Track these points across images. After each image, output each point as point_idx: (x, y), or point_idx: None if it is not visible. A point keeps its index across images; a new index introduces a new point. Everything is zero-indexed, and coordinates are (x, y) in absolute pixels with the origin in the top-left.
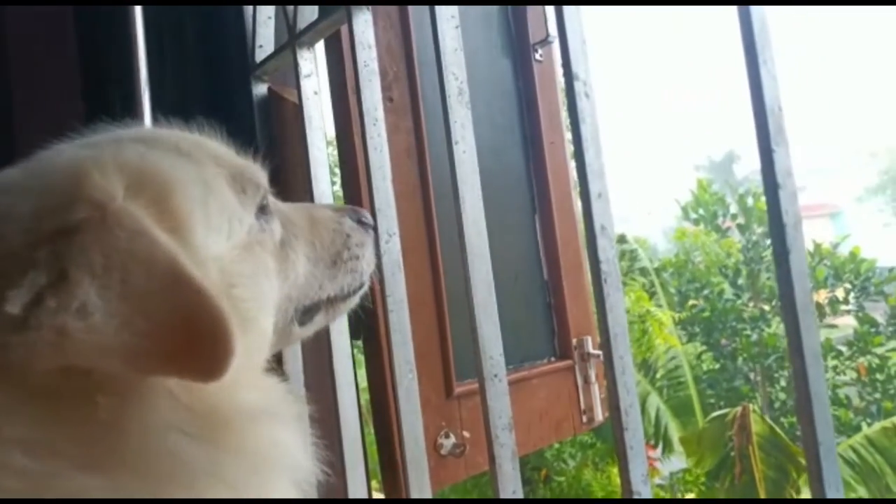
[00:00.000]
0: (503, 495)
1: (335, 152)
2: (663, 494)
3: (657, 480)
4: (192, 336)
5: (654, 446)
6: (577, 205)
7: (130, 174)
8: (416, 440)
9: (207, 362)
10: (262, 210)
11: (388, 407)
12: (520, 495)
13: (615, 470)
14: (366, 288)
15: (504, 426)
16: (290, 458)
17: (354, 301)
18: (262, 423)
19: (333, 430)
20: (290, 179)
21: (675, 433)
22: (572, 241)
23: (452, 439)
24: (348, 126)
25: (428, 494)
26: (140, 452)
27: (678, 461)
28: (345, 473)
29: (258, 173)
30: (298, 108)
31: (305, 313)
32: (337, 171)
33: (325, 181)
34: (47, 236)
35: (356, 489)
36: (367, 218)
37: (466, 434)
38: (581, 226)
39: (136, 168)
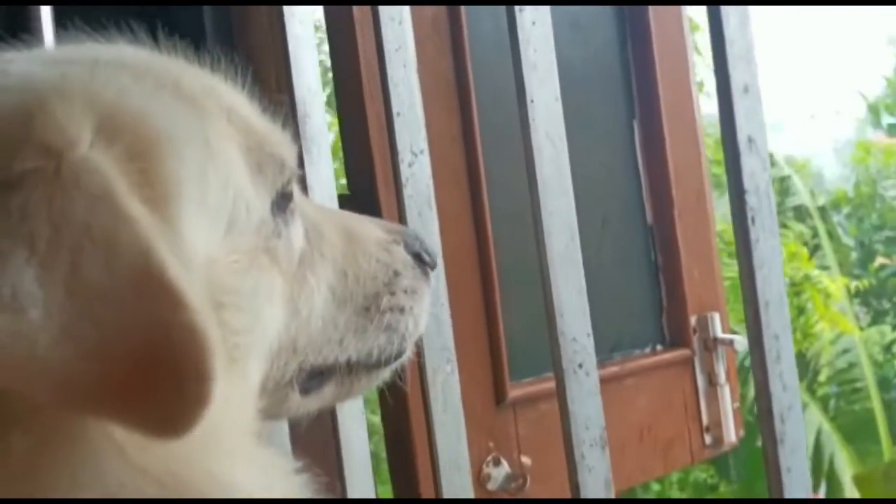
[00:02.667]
0: None
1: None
2: None
3: None
4: (154, 367)
5: (814, 489)
6: (703, 106)
7: (105, 113)
8: (459, 468)
9: (169, 409)
10: (282, 204)
11: (408, 420)
12: None
13: None
14: (403, 360)
15: (594, 441)
16: None
17: (383, 375)
18: None
19: (328, 453)
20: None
21: (846, 468)
22: (693, 163)
23: (505, 467)
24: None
25: None
26: None
27: None
28: None
29: (284, 146)
30: None
31: (312, 377)
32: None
33: (312, 74)
34: None
35: None
36: (430, 251)
37: (526, 460)
38: (710, 139)
39: (113, 105)
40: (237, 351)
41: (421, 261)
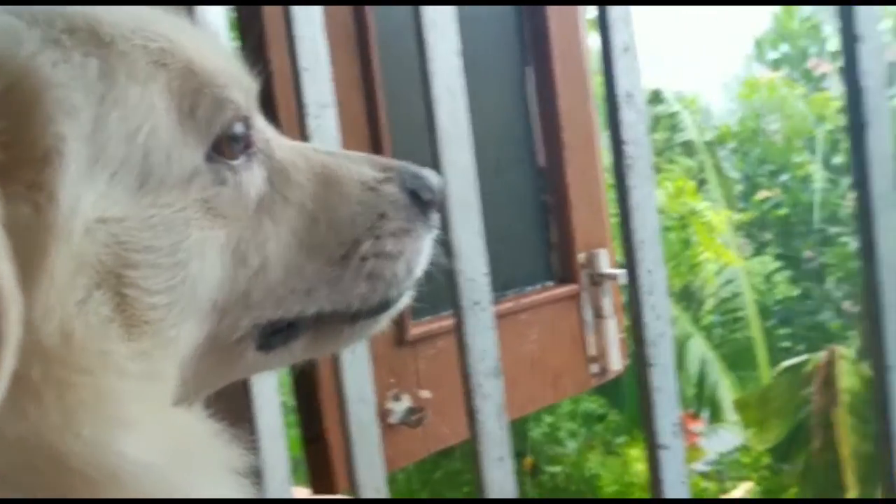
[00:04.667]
0: (486, 464)
1: None
2: (709, 486)
3: (699, 466)
4: None
5: (696, 415)
6: (592, 51)
7: None
8: (365, 402)
9: None
10: (232, 148)
11: (314, 363)
12: (509, 465)
13: (634, 452)
14: (397, 310)
15: (489, 371)
16: None
17: (375, 325)
18: (168, 483)
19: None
20: None
21: (727, 394)
22: (583, 108)
23: (406, 402)
24: None
25: (381, 478)
26: None
27: (731, 436)
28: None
29: (232, 86)
30: None
31: (275, 333)
32: None
33: (221, 29)
34: None
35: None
36: (432, 187)
37: (426, 394)
38: (597, 87)
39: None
40: (153, 312)
41: (419, 199)
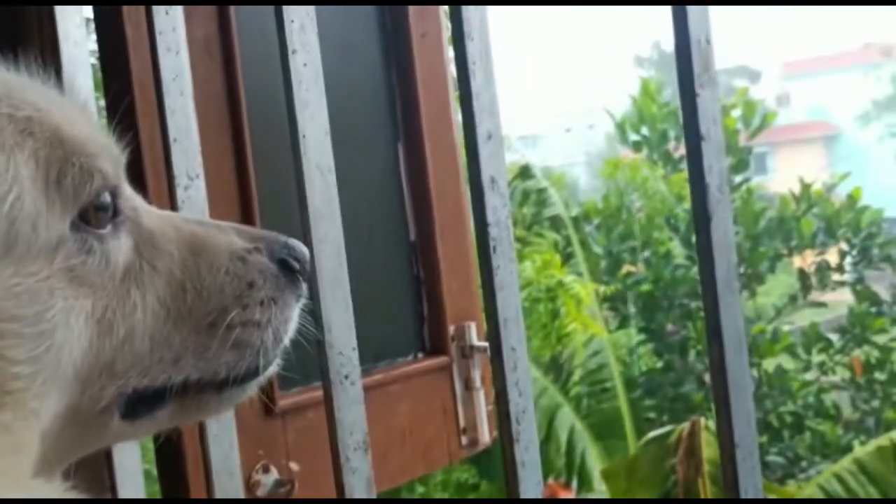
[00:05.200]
0: None
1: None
2: None
3: None
4: None
5: (567, 484)
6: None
7: None
8: (231, 475)
9: None
10: (97, 217)
11: (177, 432)
12: None
13: None
14: (265, 377)
15: (357, 445)
16: None
17: (241, 395)
18: None
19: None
20: None
21: (595, 464)
22: (453, 184)
23: (274, 474)
24: (118, 16)
25: None
26: None
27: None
28: None
29: (103, 158)
30: None
31: (141, 401)
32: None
33: (87, 94)
34: None
35: None
36: (300, 257)
37: (294, 466)
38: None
39: None
40: (15, 383)
41: (288, 268)
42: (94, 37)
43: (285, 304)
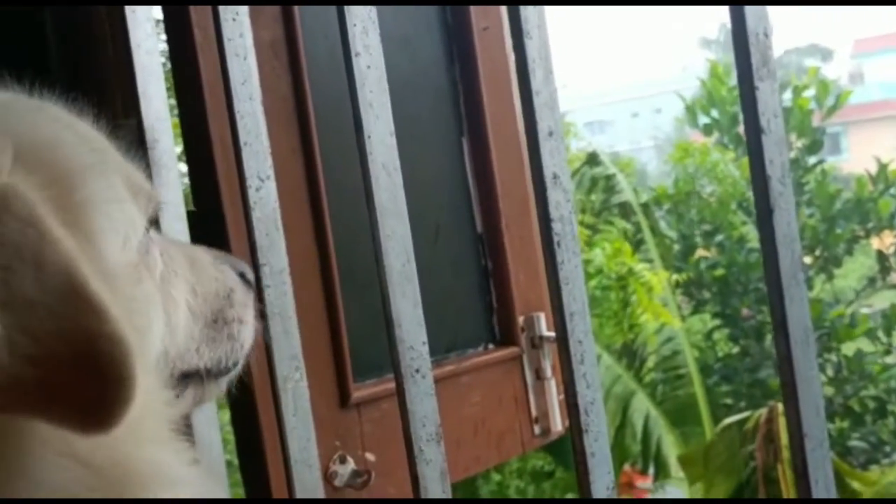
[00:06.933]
0: None
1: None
2: None
3: None
4: (84, 372)
5: (643, 471)
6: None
7: (21, 143)
8: (310, 466)
9: (98, 408)
10: (147, 229)
11: (258, 425)
12: None
13: None
14: (239, 369)
15: (430, 436)
16: None
17: (227, 381)
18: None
19: None
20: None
21: (671, 450)
22: (518, 177)
23: (351, 465)
24: (186, 21)
25: None
26: None
27: (677, 490)
28: None
29: (147, 181)
30: None
31: (179, 382)
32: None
33: (160, 102)
34: None
35: None
36: (250, 273)
37: (370, 457)
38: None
39: (29, 137)
40: (147, 348)
41: (244, 279)
42: (164, 36)
43: (250, 308)
